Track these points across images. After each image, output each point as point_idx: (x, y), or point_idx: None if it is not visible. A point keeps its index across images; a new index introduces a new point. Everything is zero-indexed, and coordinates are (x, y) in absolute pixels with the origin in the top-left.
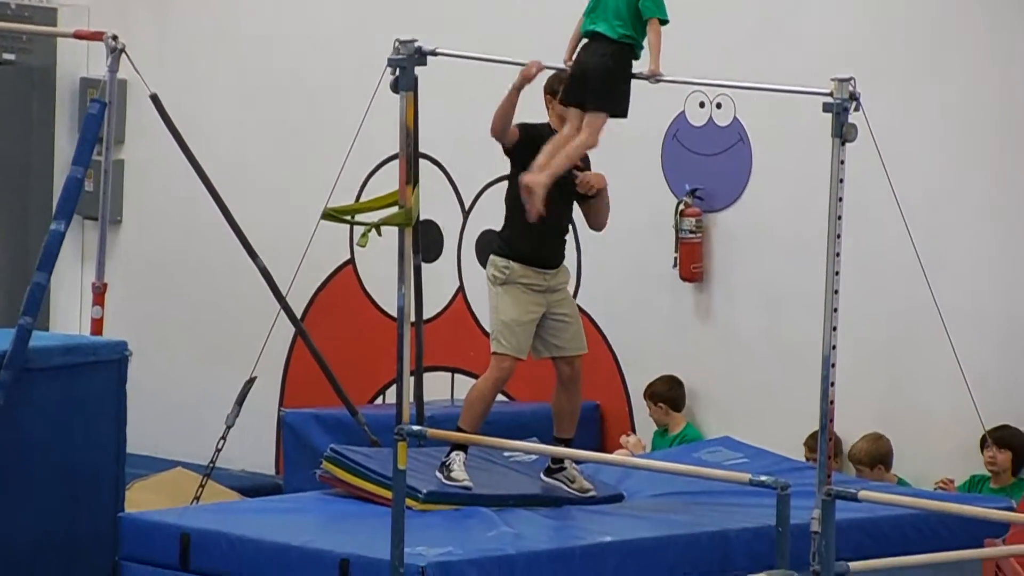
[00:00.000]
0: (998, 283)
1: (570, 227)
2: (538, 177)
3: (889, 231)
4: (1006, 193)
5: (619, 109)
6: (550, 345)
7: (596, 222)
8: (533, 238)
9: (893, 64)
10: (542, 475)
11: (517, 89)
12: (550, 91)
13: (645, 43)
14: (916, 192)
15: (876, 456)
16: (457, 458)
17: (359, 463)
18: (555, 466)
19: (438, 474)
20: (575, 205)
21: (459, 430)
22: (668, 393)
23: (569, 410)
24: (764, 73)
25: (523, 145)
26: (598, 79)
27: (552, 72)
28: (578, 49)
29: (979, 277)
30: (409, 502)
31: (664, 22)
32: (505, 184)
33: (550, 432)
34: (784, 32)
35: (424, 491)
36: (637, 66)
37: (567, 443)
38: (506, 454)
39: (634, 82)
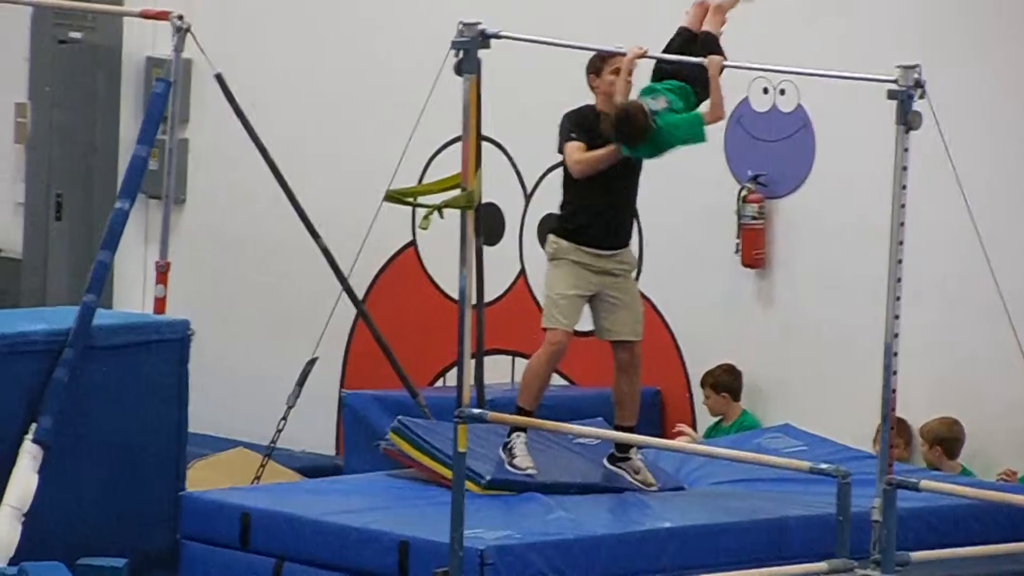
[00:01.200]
0: None
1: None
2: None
3: (953, 215)
4: None
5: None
6: (601, 328)
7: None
8: (585, 217)
9: (957, 46)
10: (605, 462)
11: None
12: (593, 70)
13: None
14: (978, 175)
15: (937, 436)
16: (519, 441)
17: (425, 438)
18: (620, 455)
19: (502, 454)
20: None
21: (519, 409)
22: (729, 381)
23: (629, 397)
24: (829, 59)
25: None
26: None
27: (595, 53)
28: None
29: None
30: (470, 486)
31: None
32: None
33: (614, 418)
34: (849, 15)
35: (487, 477)
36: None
37: (630, 431)
38: (570, 437)
39: None
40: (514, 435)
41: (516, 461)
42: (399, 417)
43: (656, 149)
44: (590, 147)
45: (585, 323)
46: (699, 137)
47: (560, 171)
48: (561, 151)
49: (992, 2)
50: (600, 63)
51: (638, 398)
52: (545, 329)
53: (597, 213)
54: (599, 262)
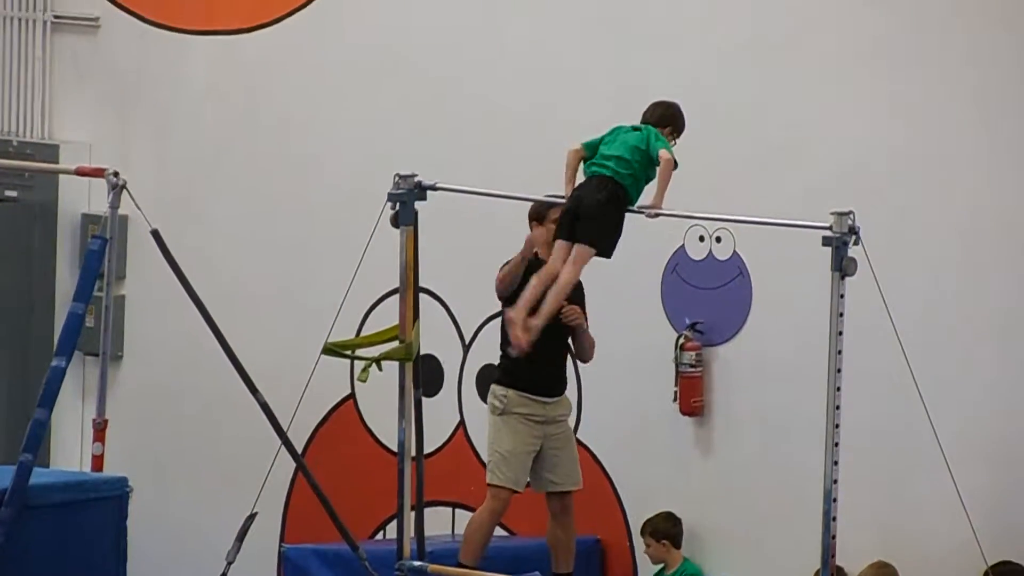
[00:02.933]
0: (1002, 414)
1: (569, 359)
2: (530, 321)
3: (889, 358)
4: (1008, 316)
5: (606, 248)
6: (545, 480)
7: (582, 354)
8: (531, 366)
9: (891, 190)
10: None
11: (524, 258)
12: (535, 217)
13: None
14: (916, 320)
15: None
16: None
17: None
18: None
19: None
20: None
21: (460, 565)
22: (669, 529)
23: (564, 544)
24: (763, 206)
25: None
26: (592, 215)
27: (536, 201)
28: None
29: (980, 405)
30: None
31: (675, 165)
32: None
33: (551, 567)
34: (782, 164)
35: None
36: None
37: None
38: None
39: (635, 215)
40: None
41: None
42: None
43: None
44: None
45: None
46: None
47: (499, 322)
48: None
49: (921, 149)
50: (543, 210)
51: (574, 545)
52: (490, 485)
53: (538, 360)
54: (544, 410)
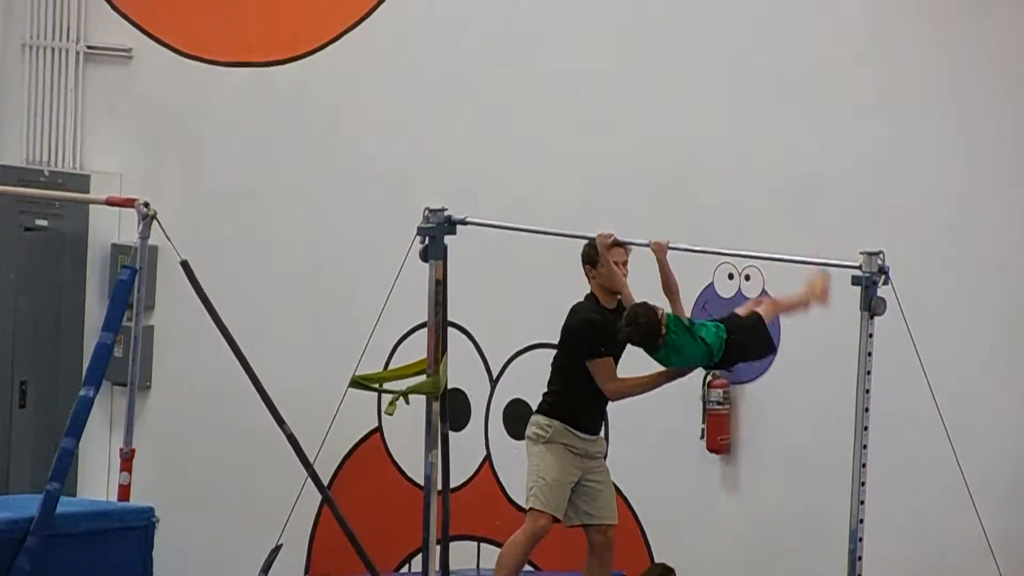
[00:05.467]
0: None
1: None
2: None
3: (916, 398)
4: None
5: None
6: (581, 512)
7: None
8: (579, 402)
9: (921, 229)
10: None
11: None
12: (588, 261)
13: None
14: (945, 360)
15: None
16: None
17: None
18: None
19: None
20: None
21: None
22: None
23: None
24: (792, 245)
25: None
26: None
27: (587, 242)
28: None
29: (1008, 447)
30: None
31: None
32: (540, 352)
33: None
34: (812, 202)
35: None
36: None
37: None
38: None
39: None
40: None
41: None
42: None
43: (681, 360)
44: (609, 351)
45: None
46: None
47: (527, 358)
48: (587, 359)
49: (952, 187)
50: (594, 253)
51: None
52: (530, 509)
53: (586, 398)
54: (584, 445)
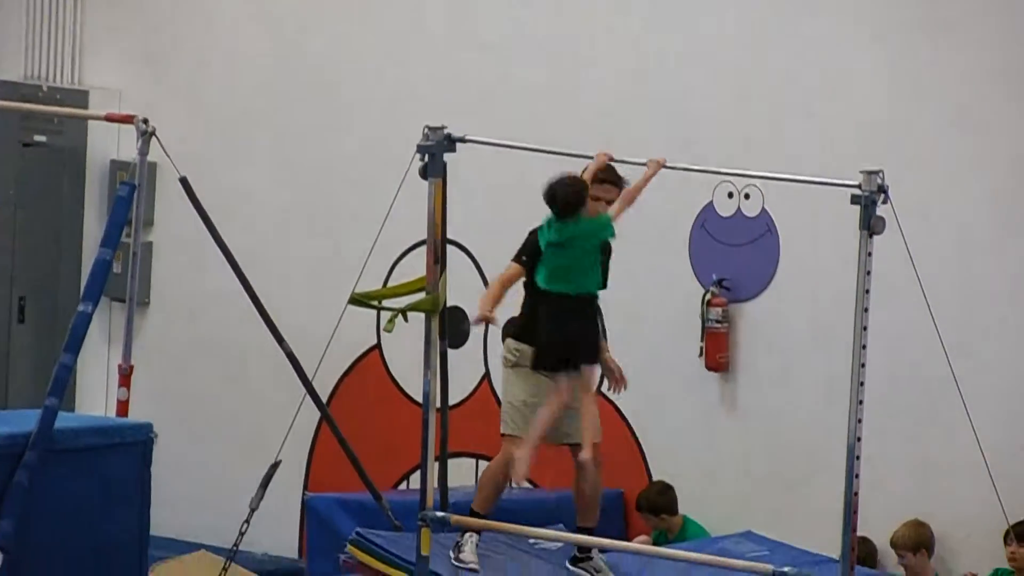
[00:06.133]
0: None
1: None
2: (520, 451)
3: (915, 319)
4: None
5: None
6: (561, 433)
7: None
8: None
9: (920, 151)
10: (568, 564)
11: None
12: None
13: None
14: (943, 278)
15: (919, 541)
16: (470, 540)
17: (385, 548)
18: (581, 555)
19: (450, 554)
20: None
21: (472, 513)
22: (664, 503)
23: (589, 498)
24: (793, 163)
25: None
26: (593, 341)
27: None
28: (550, 314)
29: (1005, 364)
30: None
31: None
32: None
33: (576, 520)
34: (812, 121)
35: None
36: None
37: (590, 533)
38: (531, 542)
39: (661, 171)
40: (467, 535)
41: (462, 556)
42: (357, 529)
43: (568, 238)
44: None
45: None
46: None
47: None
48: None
49: (955, 105)
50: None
51: (599, 499)
52: (503, 435)
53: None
54: None
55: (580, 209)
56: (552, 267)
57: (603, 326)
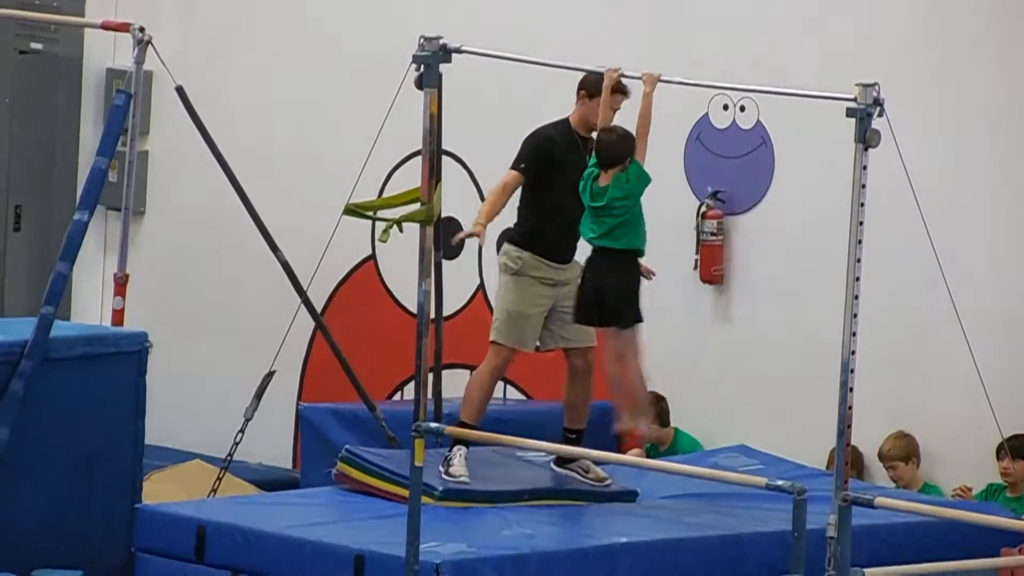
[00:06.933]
0: (1020, 291)
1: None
2: (640, 421)
3: (909, 233)
4: None
5: (638, 313)
6: (557, 336)
7: None
8: (547, 230)
9: (915, 66)
10: (553, 465)
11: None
12: (587, 89)
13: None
14: (937, 195)
15: (908, 451)
16: (459, 453)
17: (374, 463)
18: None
19: (440, 468)
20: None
21: (461, 423)
22: (656, 411)
23: (581, 402)
24: (789, 76)
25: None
26: (618, 305)
27: (592, 73)
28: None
29: (1001, 284)
30: (425, 499)
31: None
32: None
33: (564, 422)
34: (808, 34)
35: (440, 488)
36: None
37: (579, 433)
38: (519, 453)
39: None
40: (455, 448)
41: (452, 470)
42: (346, 447)
43: (609, 200)
44: (545, 172)
45: None
46: (645, 179)
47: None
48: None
49: (953, 21)
50: (595, 87)
51: (589, 403)
52: (493, 342)
53: (556, 226)
54: (556, 274)
55: (627, 158)
56: (599, 229)
57: None
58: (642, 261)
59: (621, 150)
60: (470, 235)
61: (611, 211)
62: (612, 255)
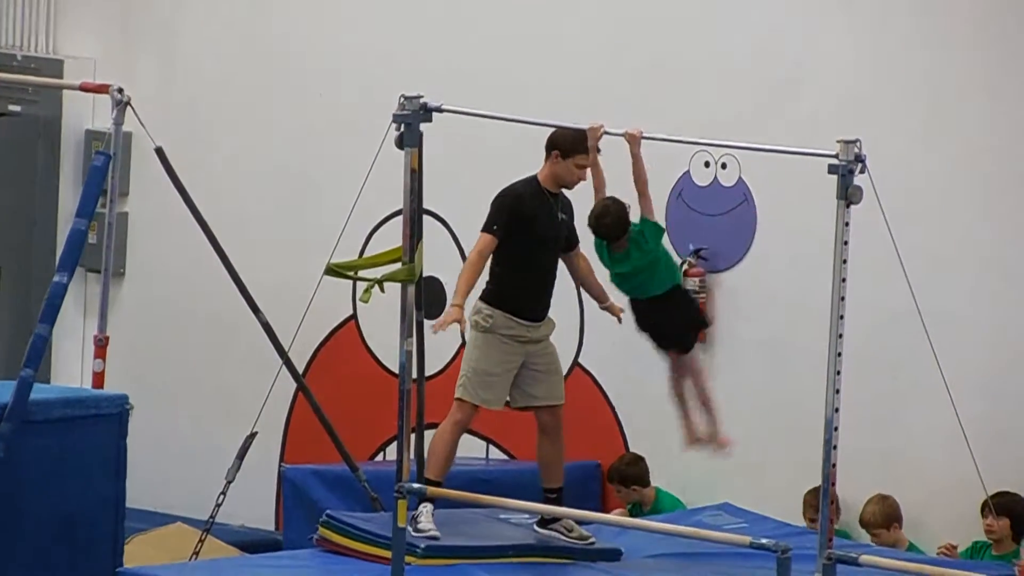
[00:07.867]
0: (1003, 347)
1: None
2: (719, 437)
3: (891, 288)
4: (1013, 252)
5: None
6: (525, 395)
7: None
8: (520, 288)
9: (896, 123)
10: (536, 527)
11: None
12: (562, 149)
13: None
14: (921, 249)
15: (890, 516)
16: (424, 509)
17: (356, 526)
18: (549, 517)
19: (408, 527)
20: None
21: (425, 480)
22: (636, 473)
23: (554, 460)
24: (770, 133)
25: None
26: (681, 335)
27: (566, 130)
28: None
29: (982, 336)
30: (408, 558)
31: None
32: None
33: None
34: (789, 91)
35: (422, 546)
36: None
37: (558, 492)
38: (502, 516)
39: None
40: (421, 505)
41: (419, 526)
42: (327, 512)
43: (633, 268)
44: (514, 229)
45: None
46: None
47: None
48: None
49: (935, 76)
50: (570, 147)
51: (563, 460)
52: (457, 399)
53: (528, 282)
54: (528, 332)
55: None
56: (629, 286)
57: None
58: (613, 300)
59: (621, 225)
60: (452, 322)
61: (640, 271)
62: (663, 299)
